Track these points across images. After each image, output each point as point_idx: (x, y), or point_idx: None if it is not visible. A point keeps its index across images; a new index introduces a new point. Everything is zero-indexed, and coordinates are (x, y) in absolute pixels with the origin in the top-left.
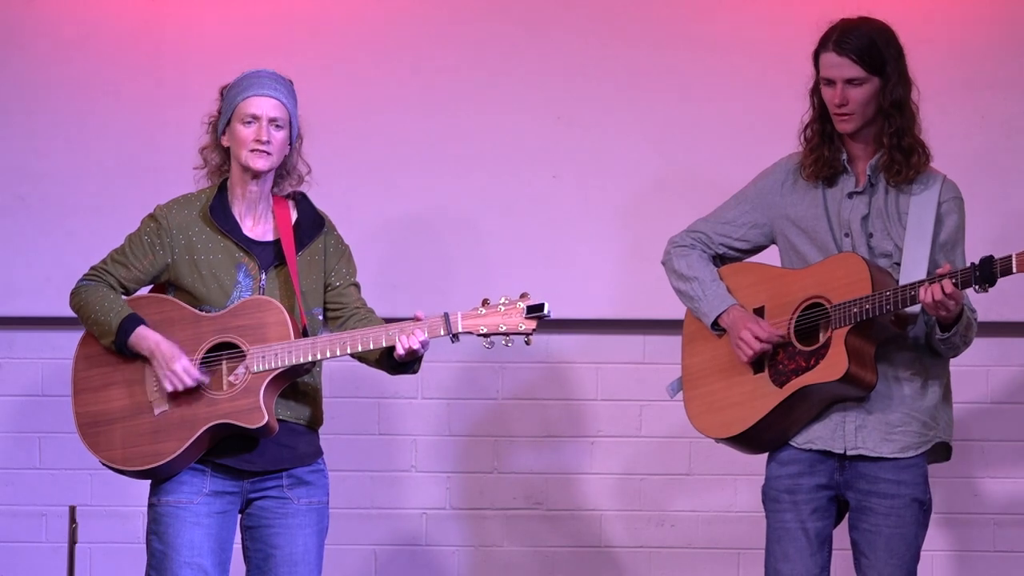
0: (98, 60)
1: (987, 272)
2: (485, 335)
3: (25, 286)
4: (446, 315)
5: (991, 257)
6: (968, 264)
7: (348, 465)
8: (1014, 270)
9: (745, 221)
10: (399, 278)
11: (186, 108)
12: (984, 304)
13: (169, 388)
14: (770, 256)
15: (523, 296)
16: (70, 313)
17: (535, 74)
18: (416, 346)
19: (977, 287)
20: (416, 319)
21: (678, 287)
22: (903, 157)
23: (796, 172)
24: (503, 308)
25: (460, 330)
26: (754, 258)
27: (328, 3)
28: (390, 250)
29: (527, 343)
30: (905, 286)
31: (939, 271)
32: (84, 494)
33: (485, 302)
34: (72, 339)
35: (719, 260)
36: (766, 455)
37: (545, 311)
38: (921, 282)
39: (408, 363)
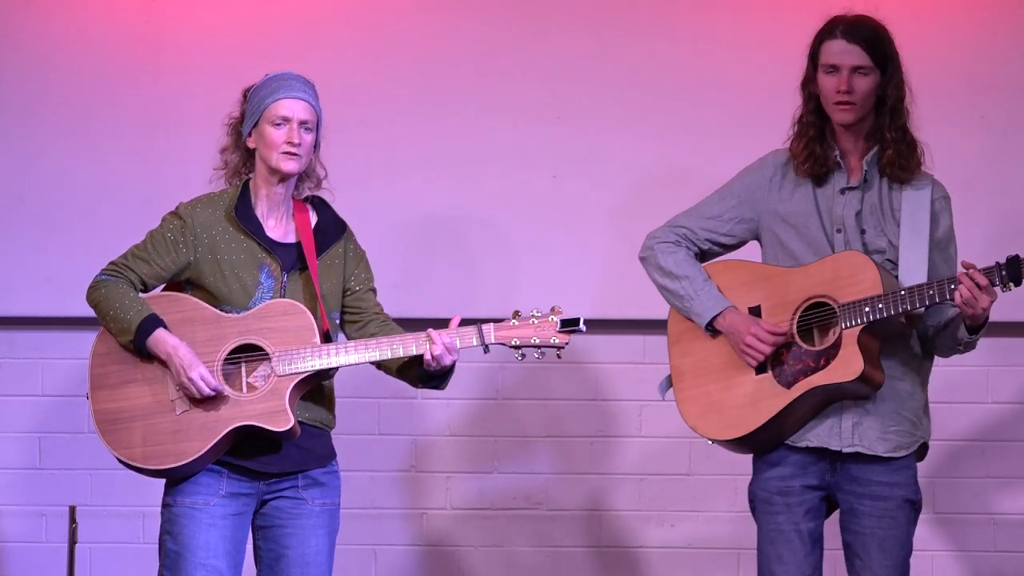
0: (98, 60)
1: (1016, 271)
2: (517, 347)
3: (25, 286)
4: (479, 326)
5: (1018, 256)
6: (993, 263)
7: (348, 465)
8: None
9: (731, 216)
10: (400, 279)
11: (186, 108)
12: None
13: (186, 393)
14: (750, 251)
15: (554, 310)
16: (70, 313)
17: (535, 74)
18: (439, 351)
19: (1002, 287)
20: (450, 323)
21: (664, 284)
22: (908, 151)
23: (785, 168)
24: (535, 321)
25: (493, 341)
26: (735, 254)
27: (330, 5)
28: (392, 252)
29: (558, 356)
30: (923, 285)
31: (963, 264)
32: (84, 494)
33: (516, 314)
34: (72, 339)
35: (701, 256)
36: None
37: (580, 325)
38: (940, 281)
39: (438, 377)
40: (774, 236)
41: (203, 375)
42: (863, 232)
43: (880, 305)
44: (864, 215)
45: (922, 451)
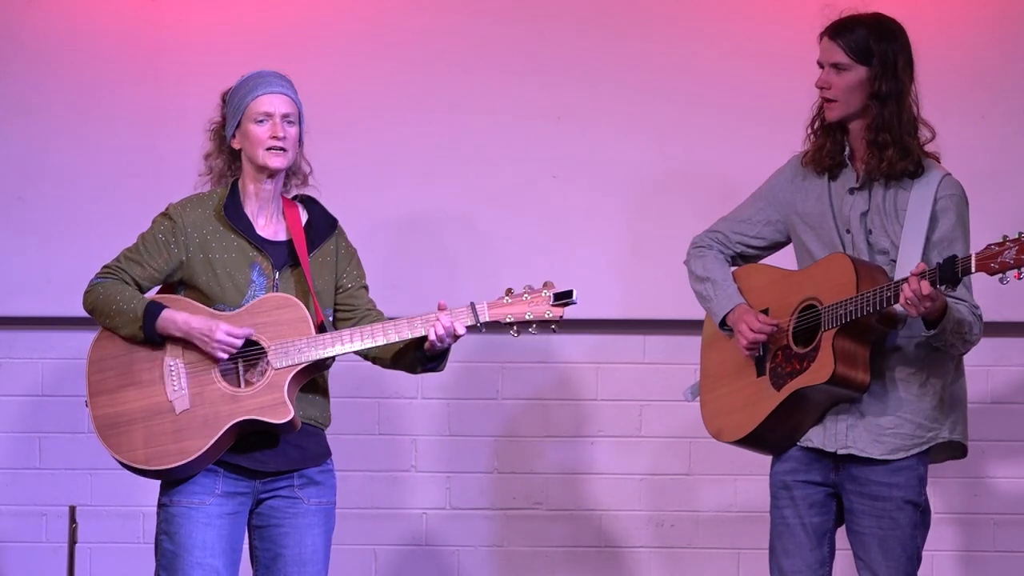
0: (98, 60)
1: (949, 272)
2: (511, 324)
3: (25, 286)
4: (472, 304)
5: (954, 257)
6: (935, 264)
7: (348, 465)
8: (973, 270)
9: (760, 219)
10: (399, 278)
11: (186, 108)
12: (984, 304)
13: (224, 356)
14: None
15: (546, 284)
16: (70, 313)
17: (535, 74)
18: (442, 332)
19: (943, 287)
20: (440, 308)
21: (695, 288)
22: (877, 152)
23: (804, 169)
24: (528, 297)
25: (487, 319)
26: (773, 258)
27: (327, 3)
28: (390, 250)
29: (554, 330)
30: (883, 287)
31: (913, 271)
32: (84, 494)
33: (509, 291)
34: (72, 339)
35: (739, 259)
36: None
37: (573, 298)
38: (899, 282)
39: (436, 359)
40: (797, 237)
41: (228, 330)
42: (869, 232)
43: (851, 308)
44: (871, 215)
45: (955, 449)
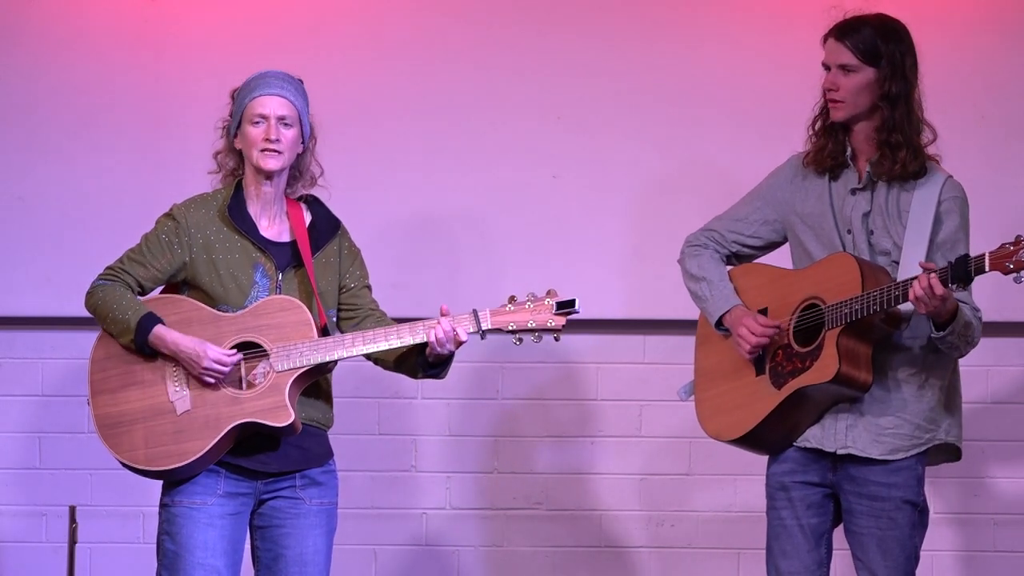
0: (98, 61)
1: (961, 271)
2: (513, 332)
3: (25, 286)
4: (475, 311)
5: (966, 256)
6: (946, 263)
7: (348, 465)
8: (987, 269)
9: (757, 218)
10: (399, 278)
11: (186, 108)
12: (984, 304)
13: (211, 382)
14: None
15: (550, 293)
16: (70, 313)
17: (535, 74)
18: (441, 335)
19: (954, 286)
20: (442, 313)
21: (689, 287)
22: (890, 153)
23: (804, 168)
24: (531, 305)
25: (489, 327)
26: (767, 257)
27: (329, 3)
28: (390, 250)
29: (556, 339)
30: (891, 285)
31: (923, 263)
32: (84, 494)
33: (512, 299)
34: (72, 339)
35: (735, 259)
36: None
37: (575, 307)
38: (906, 281)
39: (439, 365)
40: (795, 236)
41: (216, 357)
42: (871, 233)
43: (857, 307)
44: (872, 216)
45: (950, 452)
